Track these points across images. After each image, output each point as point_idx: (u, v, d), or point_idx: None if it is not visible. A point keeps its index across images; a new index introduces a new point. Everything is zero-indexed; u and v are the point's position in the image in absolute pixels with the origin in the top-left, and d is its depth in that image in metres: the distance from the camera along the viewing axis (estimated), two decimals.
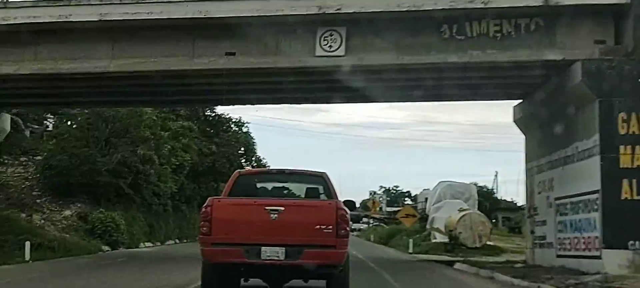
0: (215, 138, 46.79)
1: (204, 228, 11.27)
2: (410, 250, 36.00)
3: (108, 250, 31.92)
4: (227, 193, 12.44)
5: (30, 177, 38.19)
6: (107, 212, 34.09)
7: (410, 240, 37.30)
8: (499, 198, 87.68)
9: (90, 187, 36.05)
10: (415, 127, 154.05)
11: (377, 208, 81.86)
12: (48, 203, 35.44)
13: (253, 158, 50.90)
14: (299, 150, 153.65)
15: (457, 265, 26.29)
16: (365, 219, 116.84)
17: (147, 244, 39.76)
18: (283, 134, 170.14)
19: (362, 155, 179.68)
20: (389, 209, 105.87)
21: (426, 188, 55.63)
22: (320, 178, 12.92)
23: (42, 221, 32.38)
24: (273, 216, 11.14)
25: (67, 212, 34.70)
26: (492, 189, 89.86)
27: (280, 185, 14.31)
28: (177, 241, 47.56)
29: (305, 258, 11.16)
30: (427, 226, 43.52)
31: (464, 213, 34.93)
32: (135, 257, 28.67)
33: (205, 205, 11.51)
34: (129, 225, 35.77)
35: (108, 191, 36.42)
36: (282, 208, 11.28)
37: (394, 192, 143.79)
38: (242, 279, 13.09)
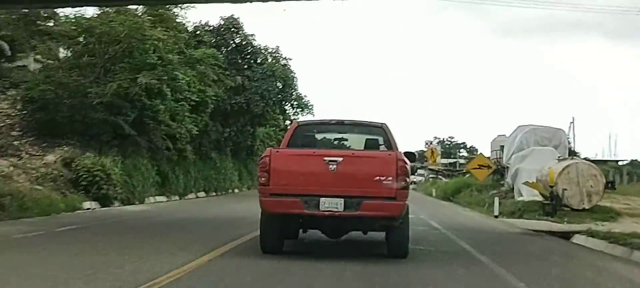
0: (246, 70, 38.52)
1: (263, 179, 11.13)
2: (496, 213, 27.40)
3: (92, 208, 24.12)
4: (286, 143, 12.40)
5: (13, 115, 30.61)
6: (97, 157, 26.28)
7: (496, 199, 28.60)
8: (575, 150, 78.82)
9: (81, 125, 28.31)
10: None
11: (436, 158, 73.20)
12: (28, 146, 27.82)
13: (293, 96, 42.59)
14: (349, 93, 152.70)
15: (576, 238, 17.89)
16: (420, 171, 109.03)
17: (159, 199, 32.06)
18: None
19: (417, 106, 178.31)
20: (443, 161, 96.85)
21: (501, 134, 46.69)
22: (380, 129, 12.77)
23: (12, 168, 24.70)
24: (332, 167, 10.99)
25: (50, 157, 26.96)
26: (568, 139, 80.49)
27: (340, 135, 13.91)
28: (203, 194, 40.03)
29: (364, 209, 11.00)
30: (507, 179, 34.81)
31: (567, 163, 26.11)
32: (124, 219, 20.80)
33: (263, 155, 11.45)
34: (128, 175, 27.93)
35: (104, 131, 28.60)
36: (341, 159, 11.11)
37: (449, 143, 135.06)
38: (300, 230, 12.93)
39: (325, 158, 11.13)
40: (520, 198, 30.04)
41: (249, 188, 55.53)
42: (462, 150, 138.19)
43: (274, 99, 38.56)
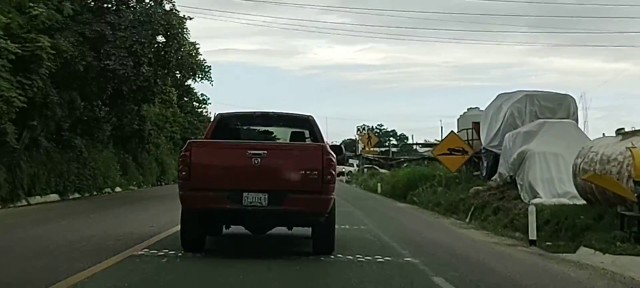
0: (110, 14, 25.77)
1: (183, 173, 10.77)
2: (533, 236, 15.07)
3: None
4: (208, 136, 12.22)
5: None
6: None
7: (532, 213, 15.88)
8: None
9: None
10: (393, 69, 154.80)
11: (373, 146, 61.64)
12: None
13: (181, 54, 29.95)
14: (277, 93, 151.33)
15: None
16: (352, 161, 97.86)
17: None
18: (262, 77, 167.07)
19: (341, 98, 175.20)
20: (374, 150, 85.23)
21: (472, 107, 35.24)
22: (307, 121, 12.63)
23: None
24: (255, 160, 10.60)
25: None
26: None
27: (265, 128, 13.72)
28: (55, 197, 27.41)
29: (289, 204, 10.66)
30: (502, 171, 23.03)
31: None
32: None
33: (184, 148, 11.03)
34: None
35: None
36: (265, 152, 10.72)
37: (378, 130, 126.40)
38: (223, 226, 12.69)
39: (249, 151, 10.72)
40: (537, 201, 18.31)
41: (140, 186, 42.82)
42: (392, 138, 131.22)
43: (149, 55, 26.02)
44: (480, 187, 23.84)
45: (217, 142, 11.60)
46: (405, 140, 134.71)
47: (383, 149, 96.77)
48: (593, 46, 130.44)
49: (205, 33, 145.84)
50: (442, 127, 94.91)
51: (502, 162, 23.08)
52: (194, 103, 62.81)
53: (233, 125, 12.91)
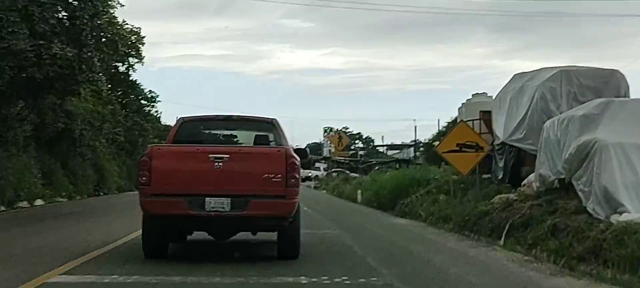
0: None
1: (144, 178, 10.59)
2: None
3: None
4: (170, 140, 12.03)
5: None
6: None
7: None
8: None
9: None
10: (356, 73, 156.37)
11: (344, 147, 55.05)
12: None
13: (99, 21, 22.93)
14: (241, 98, 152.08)
15: None
16: (319, 164, 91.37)
17: None
18: (225, 82, 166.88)
19: (305, 102, 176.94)
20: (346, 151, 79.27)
21: (477, 92, 28.89)
22: (270, 124, 12.53)
23: None
24: (217, 164, 10.52)
25: None
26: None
27: (228, 132, 13.61)
28: None
29: (253, 209, 10.57)
30: (544, 173, 16.38)
31: None
32: None
33: (144, 153, 11.12)
34: None
35: None
36: (227, 157, 10.62)
37: (344, 133, 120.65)
38: (186, 233, 12.52)
39: (211, 155, 10.61)
40: (625, 217, 11.82)
41: (71, 198, 35.77)
42: (358, 141, 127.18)
43: (50, 21, 19.15)
44: (510, 195, 17.35)
45: (178, 147, 11.47)
46: (372, 143, 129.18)
47: (350, 152, 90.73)
48: (552, 48, 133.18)
49: (167, 38, 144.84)
50: (416, 127, 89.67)
51: (542, 160, 16.53)
52: (142, 101, 55.69)
53: (195, 129, 12.61)
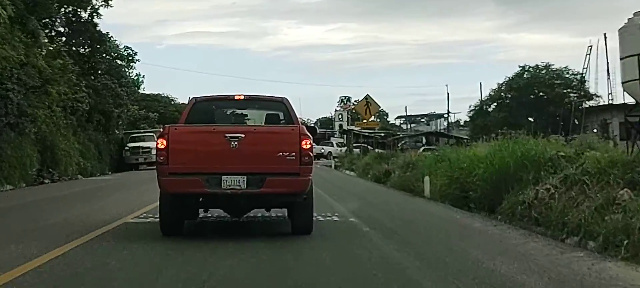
0: None
1: (161, 158, 10.84)
2: None
3: None
4: (184, 120, 12.13)
5: None
6: None
7: None
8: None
9: None
10: (364, 48, 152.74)
11: (374, 116, 43.35)
12: None
13: None
14: (247, 75, 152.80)
15: None
16: (333, 140, 79.76)
17: None
18: (232, 59, 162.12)
19: (312, 79, 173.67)
20: (354, 129, 67.62)
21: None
22: (281, 104, 12.69)
23: None
24: (233, 144, 10.79)
25: None
26: (583, 74, 52.63)
27: (239, 111, 13.63)
28: None
29: (268, 186, 10.80)
30: None
31: None
32: None
33: (161, 133, 11.38)
34: None
35: None
36: (243, 136, 10.90)
37: (352, 110, 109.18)
38: (201, 210, 12.76)
39: (227, 135, 10.88)
40: None
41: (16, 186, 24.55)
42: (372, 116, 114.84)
43: None
44: None
45: (194, 127, 11.62)
46: (386, 116, 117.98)
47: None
48: (561, 20, 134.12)
49: (174, 16, 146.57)
50: (449, 94, 77.86)
51: None
52: (118, 61, 44.10)
53: (207, 109, 12.73)
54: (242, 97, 12.78)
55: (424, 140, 75.32)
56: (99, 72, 39.75)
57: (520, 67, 56.76)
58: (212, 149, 10.86)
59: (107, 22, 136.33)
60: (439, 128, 79.67)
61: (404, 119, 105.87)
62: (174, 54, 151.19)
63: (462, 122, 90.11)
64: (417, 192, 20.62)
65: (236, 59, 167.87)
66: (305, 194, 11.14)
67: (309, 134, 11.06)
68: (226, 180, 10.71)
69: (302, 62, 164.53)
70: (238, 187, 10.72)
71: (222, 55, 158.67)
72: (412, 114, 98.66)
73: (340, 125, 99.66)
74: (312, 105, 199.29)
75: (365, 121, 43.79)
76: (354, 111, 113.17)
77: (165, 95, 64.50)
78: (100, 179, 35.07)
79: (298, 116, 12.69)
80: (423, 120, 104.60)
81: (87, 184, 29.79)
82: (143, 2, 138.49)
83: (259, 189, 10.75)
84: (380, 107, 43.79)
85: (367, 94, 43.75)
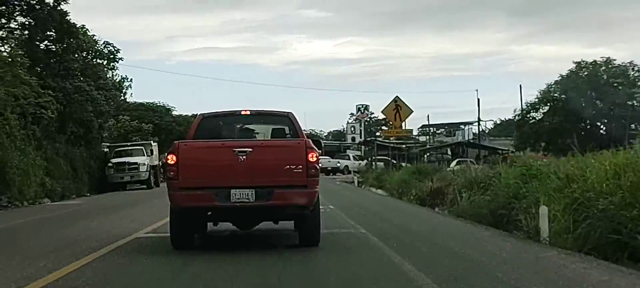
0: None
1: (171, 173, 11.17)
2: None
3: None
4: (192, 136, 12.37)
5: None
6: None
7: None
8: None
9: None
10: (374, 62, 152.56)
11: (402, 123, 35.95)
12: None
13: None
14: (258, 90, 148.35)
15: None
16: (351, 152, 72.51)
17: None
18: (242, 75, 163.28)
19: (323, 92, 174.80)
20: (379, 139, 60.29)
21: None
22: (286, 118, 12.87)
23: None
24: (241, 158, 11.00)
25: None
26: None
27: (245, 126, 13.70)
28: None
29: (276, 199, 11.04)
30: None
31: None
32: None
33: (170, 149, 11.42)
34: None
35: None
36: (250, 150, 11.12)
37: (369, 120, 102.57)
38: (211, 223, 12.93)
39: (235, 149, 11.11)
40: None
41: None
42: (383, 126, 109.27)
43: None
44: None
45: (203, 142, 11.84)
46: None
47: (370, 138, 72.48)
48: (571, 32, 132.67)
49: (185, 32, 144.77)
50: (479, 100, 69.96)
51: None
52: (98, 60, 36.89)
53: (215, 124, 12.94)
54: (249, 112, 12.98)
55: (449, 152, 67.96)
56: (73, 72, 32.50)
57: (575, 63, 49.28)
58: (221, 164, 11.11)
59: (119, 37, 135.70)
60: (466, 138, 71.99)
61: (419, 130, 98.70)
62: (185, 69, 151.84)
63: (486, 131, 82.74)
64: (518, 228, 13.20)
65: (246, 73, 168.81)
66: (312, 206, 11.29)
67: (315, 147, 11.29)
68: (235, 194, 10.92)
69: (313, 76, 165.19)
70: (247, 200, 10.94)
71: (232, 70, 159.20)
72: (434, 123, 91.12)
73: (353, 138, 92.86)
74: (323, 118, 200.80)
75: (395, 129, 36.34)
76: (369, 119, 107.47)
77: (162, 104, 57.30)
78: (71, 204, 27.95)
79: (304, 129, 13.02)
80: (441, 131, 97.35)
81: (40, 213, 22.63)
82: (153, 19, 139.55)
83: (267, 202, 10.99)
84: (412, 110, 36.33)
85: (397, 96, 36.36)
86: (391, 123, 36.34)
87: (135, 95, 52.39)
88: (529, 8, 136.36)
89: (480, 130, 69.95)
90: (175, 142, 11.75)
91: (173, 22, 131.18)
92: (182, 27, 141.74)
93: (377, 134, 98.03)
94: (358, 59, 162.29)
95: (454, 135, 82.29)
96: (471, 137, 74.20)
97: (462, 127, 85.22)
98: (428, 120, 76.64)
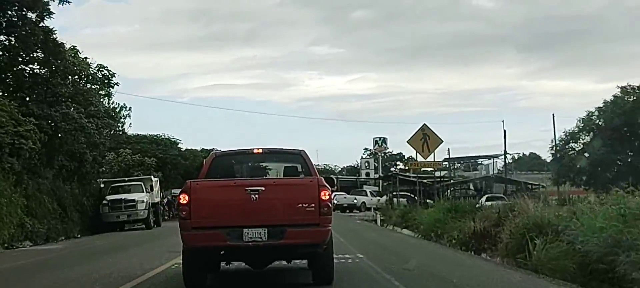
0: None
1: (184, 213, 10.97)
2: None
3: None
4: (204, 175, 12.25)
5: None
6: None
7: None
8: None
9: None
10: (385, 98, 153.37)
11: (431, 154, 32.11)
12: None
13: None
14: (270, 127, 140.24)
15: None
16: (368, 188, 68.42)
17: None
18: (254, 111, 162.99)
19: (335, 128, 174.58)
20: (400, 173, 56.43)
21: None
22: (298, 156, 12.78)
23: None
24: (254, 197, 10.87)
25: None
26: None
27: (258, 164, 14.03)
28: None
29: (289, 238, 10.83)
30: None
31: None
32: None
33: (183, 188, 11.34)
34: None
35: None
36: (263, 188, 10.99)
37: (384, 154, 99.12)
38: (223, 263, 12.83)
39: (247, 188, 10.97)
40: None
41: None
42: (398, 162, 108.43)
43: None
44: None
45: (215, 181, 11.74)
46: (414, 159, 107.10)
47: (389, 174, 68.19)
48: (583, 67, 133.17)
49: (197, 69, 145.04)
50: (505, 131, 65.66)
51: None
52: (93, 86, 33.18)
53: (227, 163, 12.94)
54: (261, 151, 12.94)
55: (472, 187, 63.81)
56: (60, 98, 28.79)
57: (619, 87, 45.14)
58: (233, 203, 10.97)
59: (132, 74, 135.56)
60: (490, 172, 67.71)
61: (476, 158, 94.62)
62: (197, 105, 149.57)
63: (512, 165, 78.48)
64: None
65: (259, 110, 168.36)
66: (325, 244, 11.16)
67: (327, 185, 11.17)
68: (248, 233, 10.79)
69: (325, 112, 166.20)
70: (259, 239, 10.81)
71: (244, 107, 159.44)
72: (454, 157, 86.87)
73: (368, 173, 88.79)
74: (337, 154, 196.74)
75: (422, 159, 32.40)
76: (385, 154, 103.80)
77: (167, 137, 53.66)
78: (52, 249, 24.20)
79: (316, 165, 12.62)
80: (457, 166, 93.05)
81: (7, 261, 18.81)
82: (166, 55, 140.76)
83: (280, 241, 10.82)
84: (442, 140, 32.39)
85: (424, 124, 32.55)
86: (418, 152, 32.39)
87: (136, 126, 48.80)
88: (538, 44, 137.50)
89: (505, 162, 65.62)
90: (187, 181, 11.59)
91: (185, 59, 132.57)
92: (194, 64, 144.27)
93: (392, 169, 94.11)
94: (370, 95, 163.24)
95: (476, 169, 78.01)
96: (495, 171, 70.08)
97: (483, 161, 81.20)
98: (448, 154, 72.07)
